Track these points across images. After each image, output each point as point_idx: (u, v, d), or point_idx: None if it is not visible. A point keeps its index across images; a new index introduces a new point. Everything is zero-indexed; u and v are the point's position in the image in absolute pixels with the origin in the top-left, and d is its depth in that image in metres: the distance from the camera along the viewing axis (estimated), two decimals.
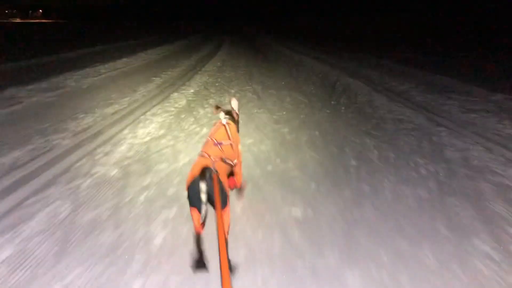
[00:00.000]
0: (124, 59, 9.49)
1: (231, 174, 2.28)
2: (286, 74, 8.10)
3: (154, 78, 7.14)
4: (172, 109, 4.86)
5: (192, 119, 4.36)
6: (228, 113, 2.43)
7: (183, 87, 6.38)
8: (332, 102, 5.34)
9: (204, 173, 1.70)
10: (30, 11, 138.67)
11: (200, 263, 1.76)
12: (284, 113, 4.70)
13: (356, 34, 21.09)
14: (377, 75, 7.76)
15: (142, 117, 4.42)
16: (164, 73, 7.83)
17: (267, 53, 13.22)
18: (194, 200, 1.76)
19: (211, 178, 1.72)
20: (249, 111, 4.82)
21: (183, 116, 4.53)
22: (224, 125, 2.26)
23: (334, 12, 41.35)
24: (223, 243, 1.22)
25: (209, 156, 1.95)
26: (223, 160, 2.00)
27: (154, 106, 5.01)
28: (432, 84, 6.71)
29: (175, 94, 5.79)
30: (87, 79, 6.74)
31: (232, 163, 2.12)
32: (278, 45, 16.27)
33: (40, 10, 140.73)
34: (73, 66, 7.69)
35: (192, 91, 6.10)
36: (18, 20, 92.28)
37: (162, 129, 3.94)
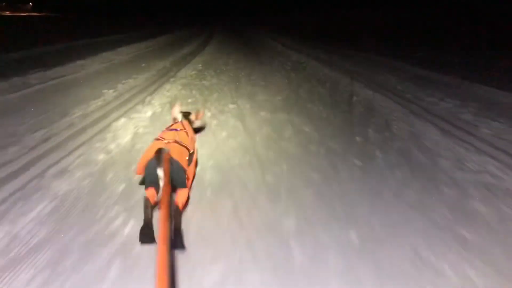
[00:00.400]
0: (81, 62, 7.35)
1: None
2: (284, 83, 6.09)
3: (105, 91, 5.07)
4: (100, 157, 2.86)
5: (118, 212, 2.34)
6: (185, 113, 2.53)
7: (139, 108, 4.36)
8: (358, 138, 3.37)
9: (159, 156, 1.65)
10: (20, 5, 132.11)
11: (148, 235, 1.64)
12: (285, 168, 2.72)
13: (360, 30, 18.95)
14: (401, 84, 5.83)
15: (14, 197, 2.38)
16: (123, 82, 5.74)
17: (260, 52, 11.10)
18: (150, 182, 1.72)
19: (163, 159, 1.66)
20: (227, 162, 2.82)
21: (97, 190, 2.47)
22: (180, 122, 2.28)
23: (335, 5, 39.02)
24: (165, 225, 1.15)
25: (163, 138, 1.89)
26: (178, 142, 1.91)
27: (69, 153, 2.95)
28: (483, 100, 4.78)
29: (121, 122, 3.79)
30: None
31: (188, 148, 1.99)
32: (273, 42, 14.18)
33: (30, 3, 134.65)
34: None
35: (149, 114, 4.09)
36: (7, 13, 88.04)
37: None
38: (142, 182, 2.15)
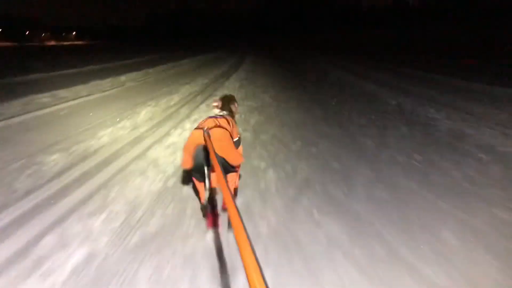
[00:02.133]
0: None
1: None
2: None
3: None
4: None
5: None
6: (227, 108, 2.35)
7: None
8: None
9: (203, 150, 1.67)
10: (64, 34, 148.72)
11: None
12: None
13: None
14: None
15: None
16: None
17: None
18: (197, 176, 1.81)
19: (206, 148, 1.63)
20: None
21: None
22: (221, 115, 2.19)
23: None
24: (230, 199, 0.97)
25: (203, 127, 1.82)
26: (219, 126, 1.89)
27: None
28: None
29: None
30: None
31: (229, 130, 1.94)
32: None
33: (74, 32, 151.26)
34: None
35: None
36: (52, 43, 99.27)
37: None
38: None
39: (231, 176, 1.92)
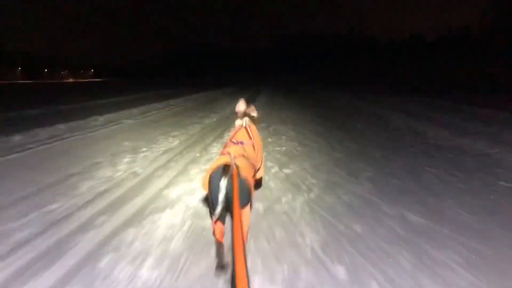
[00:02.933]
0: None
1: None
2: None
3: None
4: None
5: None
6: (248, 115, 2.42)
7: None
8: None
9: (225, 170, 1.60)
10: (82, 71, 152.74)
11: (221, 269, 1.65)
12: None
13: None
14: None
15: None
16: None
17: None
18: (213, 200, 1.61)
19: (230, 175, 1.58)
20: None
21: None
22: (245, 128, 2.21)
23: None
24: (240, 243, 1.04)
25: (229, 153, 1.80)
26: (245, 157, 1.85)
27: None
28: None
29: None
30: None
31: (255, 163, 1.97)
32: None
33: (92, 70, 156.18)
34: None
35: None
36: (70, 80, 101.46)
37: None
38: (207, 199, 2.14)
39: (244, 212, 1.61)
